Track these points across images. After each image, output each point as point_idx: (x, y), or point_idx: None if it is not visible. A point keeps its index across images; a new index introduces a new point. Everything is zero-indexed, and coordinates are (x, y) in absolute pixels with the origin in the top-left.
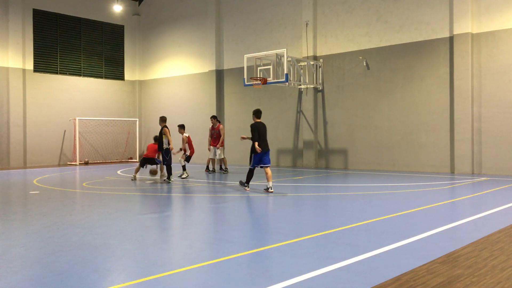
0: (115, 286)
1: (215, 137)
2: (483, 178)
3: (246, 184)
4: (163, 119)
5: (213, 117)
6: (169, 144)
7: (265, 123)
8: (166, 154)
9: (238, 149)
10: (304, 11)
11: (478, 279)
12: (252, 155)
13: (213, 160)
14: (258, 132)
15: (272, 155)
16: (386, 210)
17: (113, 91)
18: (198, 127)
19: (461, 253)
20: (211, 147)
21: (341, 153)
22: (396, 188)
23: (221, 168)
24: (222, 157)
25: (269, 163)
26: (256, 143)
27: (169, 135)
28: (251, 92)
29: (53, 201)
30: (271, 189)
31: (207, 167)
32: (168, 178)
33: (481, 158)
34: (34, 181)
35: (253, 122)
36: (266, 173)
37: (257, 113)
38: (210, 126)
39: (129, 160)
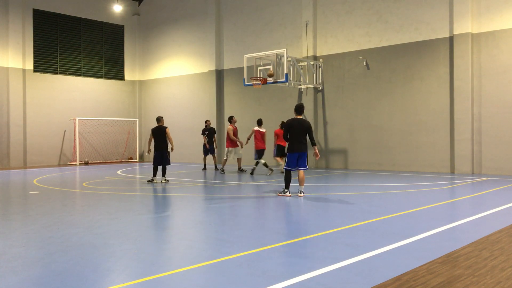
0: (115, 286)
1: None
2: (483, 178)
3: (286, 190)
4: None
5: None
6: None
7: (308, 122)
8: (168, 154)
9: None
10: (304, 11)
11: (478, 279)
12: (287, 154)
13: (239, 159)
14: (289, 130)
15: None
16: (386, 210)
17: (113, 91)
18: (198, 127)
19: (461, 253)
20: (235, 148)
21: (341, 153)
22: (396, 188)
23: (216, 168)
24: (240, 157)
25: (303, 166)
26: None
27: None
28: (251, 92)
29: (53, 201)
30: (302, 193)
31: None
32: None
33: (481, 158)
34: (34, 181)
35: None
36: (298, 176)
37: (296, 109)
38: (232, 126)
39: (129, 160)
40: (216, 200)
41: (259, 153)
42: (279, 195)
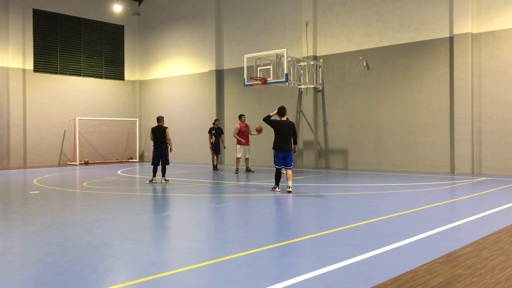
0: (115, 286)
1: (247, 136)
2: (483, 178)
3: (275, 186)
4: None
5: (244, 116)
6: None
7: (292, 123)
8: (167, 153)
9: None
10: (304, 11)
11: (478, 279)
12: (274, 153)
13: (246, 159)
14: (276, 130)
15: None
16: (386, 210)
17: (113, 91)
18: (198, 127)
19: (461, 253)
20: (246, 146)
21: (341, 153)
22: (396, 188)
23: (217, 168)
24: (247, 156)
25: (290, 165)
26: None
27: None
28: (251, 92)
29: (53, 201)
30: (289, 188)
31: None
32: (164, 177)
33: (481, 158)
34: (34, 181)
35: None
36: (286, 174)
37: (281, 112)
38: (240, 124)
39: (129, 160)
40: (216, 200)
41: None
42: (271, 190)
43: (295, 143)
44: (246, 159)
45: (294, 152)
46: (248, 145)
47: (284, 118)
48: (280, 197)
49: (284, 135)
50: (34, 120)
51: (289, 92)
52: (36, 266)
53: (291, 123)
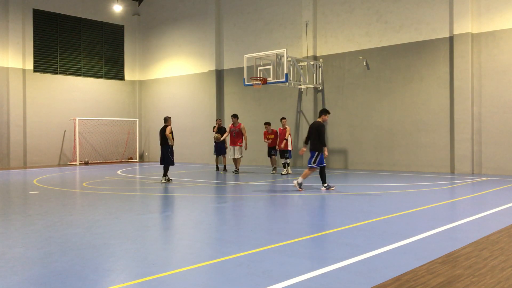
0: (115, 286)
1: (235, 136)
2: (483, 178)
3: (325, 185)
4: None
5: (235, 116)
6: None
7: (317, 123)
8: (171, 154)
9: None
10: (304, 11)
11: (478, 279)
12: None
13: (235, 160)
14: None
15: None
16: (386, 210)
17: (113, 91)
18: (198, 127)
19: (461, 253)
20: (231, 146)
21: (341, 153)
22: (396, 188)
23: (225, 169)
24: (239, 156)
25: (308, 163)
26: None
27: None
28: (251, 92)
29: (53, 201)
30: (296, 182)
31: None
32: (166, 177)
33: (481, 158)
34: (34, 181)
35: None
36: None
37: (319, 112)
38: (230, 124)
39: (129, 160)
40: (216, 200)
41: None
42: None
43: (322, 144)
44: (234, 159)
45: (325, 154)
46: (236, 145)
47: (320, 120)
48: (280, 197)
49: (310, 134)
50: (34, 120)
51: (289, 92)
52: (36, 266)
53: (315, 123)
